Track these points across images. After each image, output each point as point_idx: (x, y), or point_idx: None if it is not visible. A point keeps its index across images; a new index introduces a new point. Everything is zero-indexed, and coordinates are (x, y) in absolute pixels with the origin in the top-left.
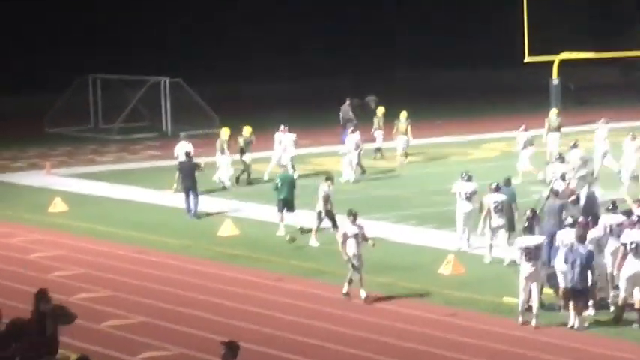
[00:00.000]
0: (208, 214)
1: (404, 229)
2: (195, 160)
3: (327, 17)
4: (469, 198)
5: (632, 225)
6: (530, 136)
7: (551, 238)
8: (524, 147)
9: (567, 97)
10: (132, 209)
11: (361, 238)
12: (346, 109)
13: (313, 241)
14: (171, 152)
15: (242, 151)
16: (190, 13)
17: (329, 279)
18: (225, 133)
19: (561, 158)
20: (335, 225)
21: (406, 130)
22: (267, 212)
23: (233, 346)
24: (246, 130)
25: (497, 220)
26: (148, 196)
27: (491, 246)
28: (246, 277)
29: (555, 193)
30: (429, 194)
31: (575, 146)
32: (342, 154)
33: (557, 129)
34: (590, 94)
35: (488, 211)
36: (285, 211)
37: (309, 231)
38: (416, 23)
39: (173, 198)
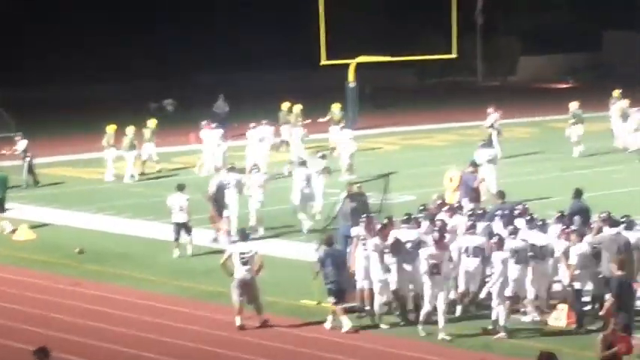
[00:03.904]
0: (2, 219)
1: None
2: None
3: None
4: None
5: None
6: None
7: (346, 239)
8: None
9: (364, 100)
10: None
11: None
12: (221, 105)
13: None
14: None
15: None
16: None
17: (125, 283)
18: (112, 129)
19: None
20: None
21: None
22: (63, 216)
23: (45, 352)
24: (152, 122)
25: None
26: None
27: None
28: (43, 282)
29: (351, 196)
30: None
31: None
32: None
33: (339, 122)
34: (386, 97)
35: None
36: None
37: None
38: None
39: None
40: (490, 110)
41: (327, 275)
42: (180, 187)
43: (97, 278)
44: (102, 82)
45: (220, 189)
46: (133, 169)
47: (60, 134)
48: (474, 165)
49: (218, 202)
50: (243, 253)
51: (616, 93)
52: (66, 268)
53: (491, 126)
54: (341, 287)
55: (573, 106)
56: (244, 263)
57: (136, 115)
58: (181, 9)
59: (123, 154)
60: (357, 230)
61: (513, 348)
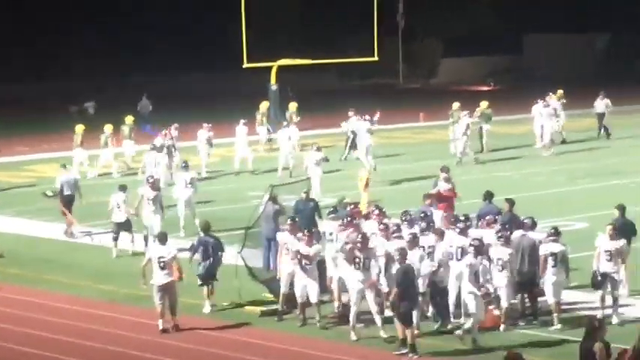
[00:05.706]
0: None
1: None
2: None
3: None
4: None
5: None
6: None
7: (269, 242)
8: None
9: (286, 102)
10: None
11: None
12: (145, 104)
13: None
14: None
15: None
16: None
17: (46, 287)
18: (81, 129)
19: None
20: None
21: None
22: None
23: None
24: (129, 119)
25: (186, 192)
26: None
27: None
28: None
29: (273, 199)
30: None
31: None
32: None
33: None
34: (308, 99)
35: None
36: None
37: None
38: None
39: None
40: (351, 113)
41: (198, 261)
42: (122, 188)
43: (17, 282)
44: (27, 81)
45: (65, 185)
46: (115, 165)
47: None
48: (446, 170)
49: (63, 197)
50: (162, 257)
51: (558, 93)
52: None
53: (353, 131)
54: (209, 273)
55: (455, 106)
56: (162, 267)
57: (57, 117)
58: (113, 9)
59: (98, 151)
60: (283, 236)
61: (437, 348)
